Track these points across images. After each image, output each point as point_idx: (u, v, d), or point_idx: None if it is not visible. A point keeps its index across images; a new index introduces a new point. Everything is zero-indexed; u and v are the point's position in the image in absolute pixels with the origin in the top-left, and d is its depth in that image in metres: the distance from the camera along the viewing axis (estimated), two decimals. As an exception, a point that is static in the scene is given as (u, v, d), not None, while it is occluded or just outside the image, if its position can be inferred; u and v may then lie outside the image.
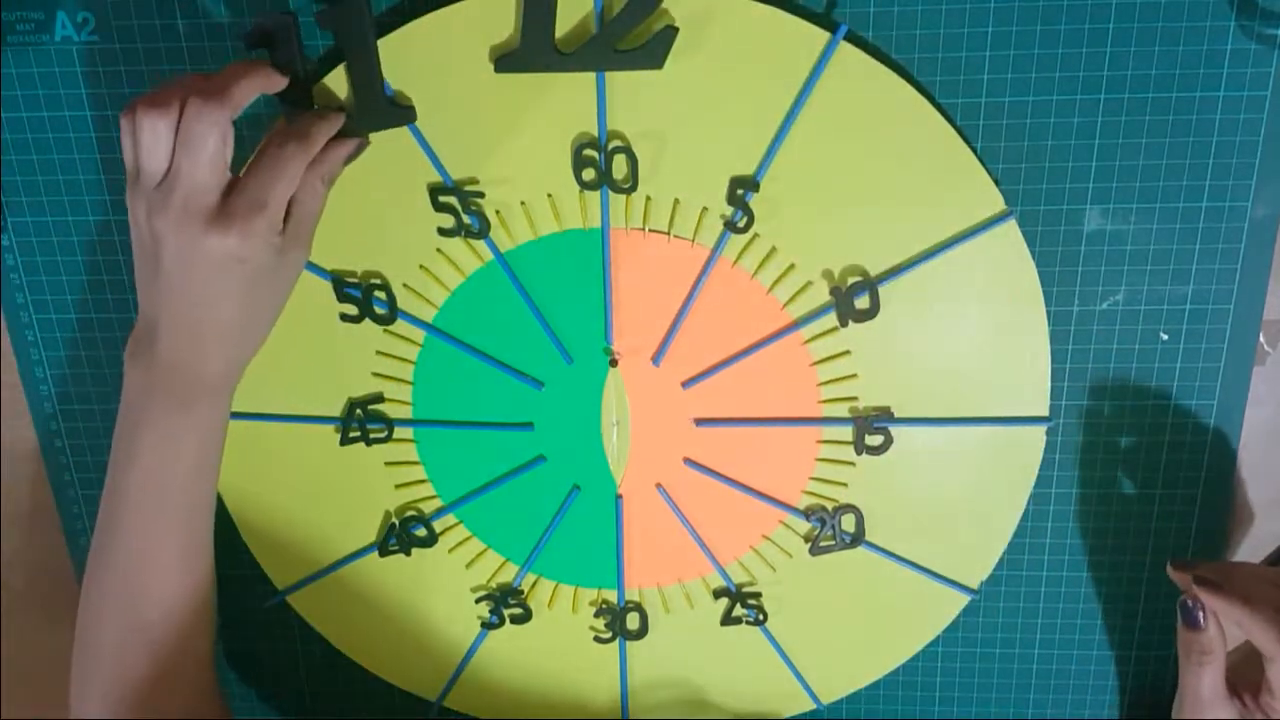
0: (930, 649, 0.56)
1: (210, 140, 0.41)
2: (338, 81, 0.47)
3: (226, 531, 0.56)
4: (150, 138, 0.41)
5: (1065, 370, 0.50)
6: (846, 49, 0.45)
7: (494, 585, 0.56)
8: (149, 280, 0.44)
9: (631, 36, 0.45)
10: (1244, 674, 0.48)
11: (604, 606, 0.56)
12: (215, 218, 0.41)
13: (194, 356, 0.44)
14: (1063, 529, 0.53)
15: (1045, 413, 0.50)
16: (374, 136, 0.47)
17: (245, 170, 0.43)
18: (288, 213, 0.44)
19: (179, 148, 0.41)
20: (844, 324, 0.49)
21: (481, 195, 0.48)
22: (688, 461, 0.53)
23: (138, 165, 0.42)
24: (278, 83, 0.44)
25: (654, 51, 0.45)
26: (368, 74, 0.46)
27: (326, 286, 0.51)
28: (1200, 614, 0.47)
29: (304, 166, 0.43)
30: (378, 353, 0.52)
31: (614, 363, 0.51)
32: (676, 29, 0.44)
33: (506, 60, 0.45)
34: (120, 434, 0.46)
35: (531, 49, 0.45)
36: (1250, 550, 0.55)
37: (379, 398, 0.53)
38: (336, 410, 0.53)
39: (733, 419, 0.52)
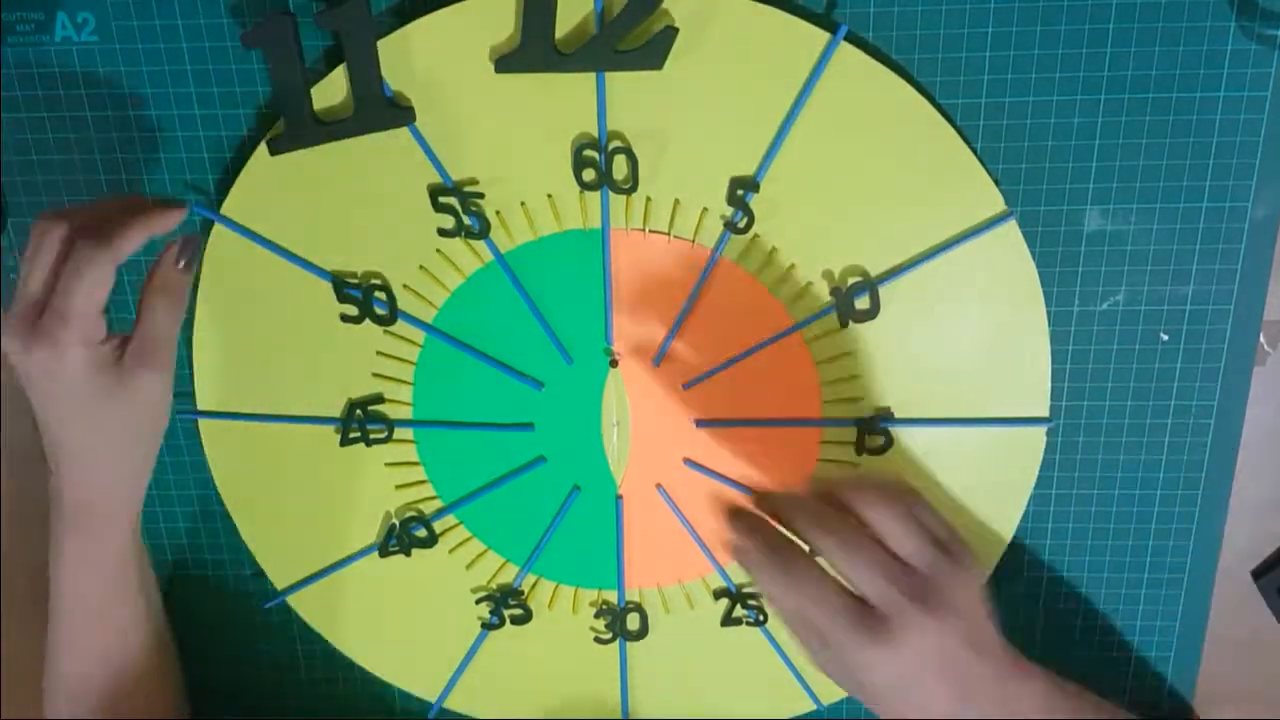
0: (930, 649, 0.56)
1: (84, 281, 0.41)
2: (333, 84, 0.47)
3: (227, 531, 0.56)
4: (26, 255, 0.42)
5: (1065, 370, 0.50)
6: (846, 49, 0.45)
7: (494, 586, 0.56)
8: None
9: (631, 37, 0.45)
10: None
11: (604, 607, 0.56)
12: (30, 334, 0.41)
13: (77, 482, 0.46)
14: (1063, 529, 0.53)
15: (1045, 413, 0.50)
16: (374, 137, 0.47)
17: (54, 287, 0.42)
18: (134, 326, 0.44)
19: (42, 270, 0.41)
20: (844, 324, 0.49)
21: (481, 196, 0.48)
22: (688, 462, 0.53)
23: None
24: (168, 222, 0.44)
25: (654, 51, 0.45)
26: (367, 74, 0.46)
27: (326, 287, 0.51)
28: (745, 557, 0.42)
29: (109, 273, 0.41)
30: (378, 353, 0.52)
31: (614, 363, 0.51)
32: (676, 29, 0.44)
33: (506, 60, 0.45)
34: (50, 570, 0.49)
35: (531, 49, 0.45)
36: (1250, 550, 0.55)
37: (379, 398, 0.53)
38: (336, 411, 0.53)
39: (733, 419, 0.52)
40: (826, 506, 0.41)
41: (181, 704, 0.56)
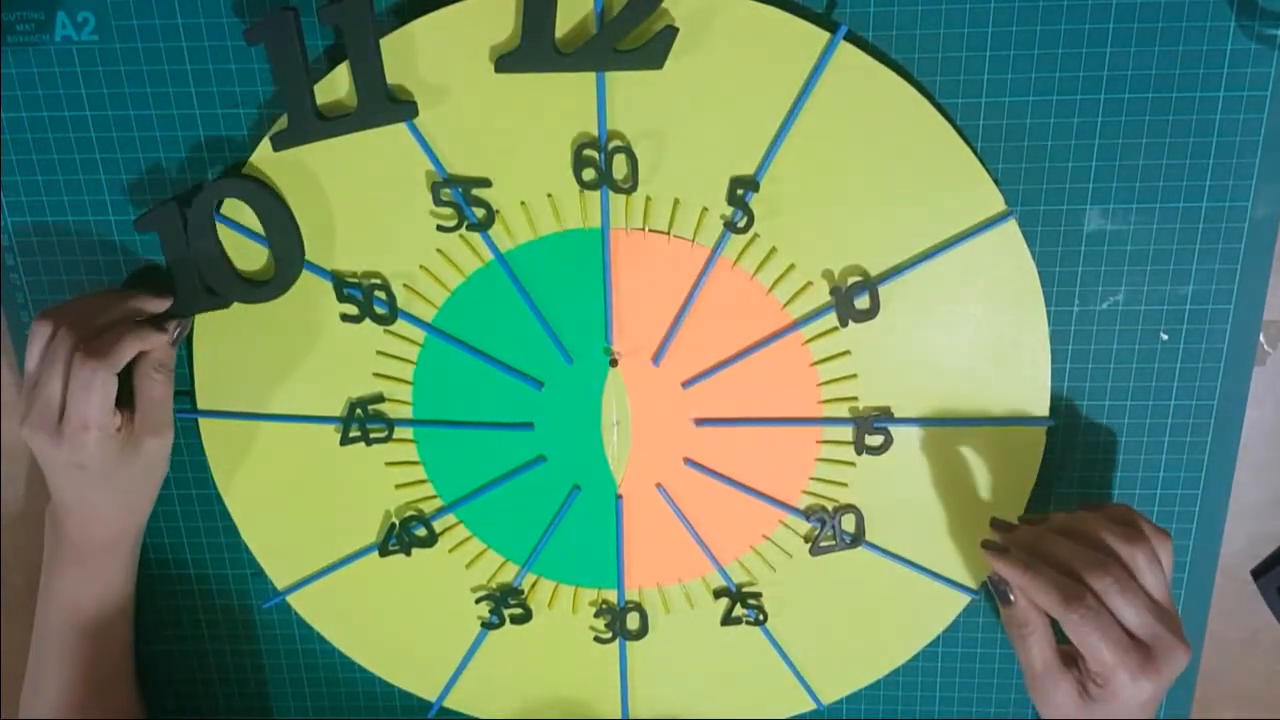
0: (930, 649, 0.56)
1: (94, 390, 0.46)
2: (335, 80, 0.47)
3: (227, 531, 0.56)
4: (29, 353, 0.48)
5: (1065, 370, 0.50)
6: (846, 49, 0.45)
7: (494, 585, 0.56)
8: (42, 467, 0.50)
9: (631, 36, 0.45)
10: None
11: (604, 606, 0.56)
12: (55, 434, 0.47)
13: (83, 527, 0.51)
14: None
15: (1045, 413, 0.50)
16: (375, 137, 0.47)
17: (68, 394, 0.47)
18: (132, 403, 0.49)
19: (41, 362, 0.47)
20: (844, 324, 0.49)
21: (487, 184, 0.48)
22: (688, 461, 0.53)
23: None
24: (156, 342, 0.49)
25: (654, 51, 0.45)
26: (369, 69, 0.46)
27: (327, 287, 0.51)
28: (1006, 587, 0.45)
29: (112, 380, 0.47)
30: (378, 353, 0.52)
31: (614, 363, 0.51)
32: (676, 29, 0.44)
33: (506, 60, 0.45)
34: (42, 577, 0.53)
35: (531, 49, 0.45)
36: (1250, 550, 0.55)
37: (379, 398, 0.53)
38: (337, 410, 0.53)
39: (733, 419, 0.52)
40: (1095, 552, 0.44)
41: None
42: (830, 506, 0.53)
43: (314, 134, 0.47)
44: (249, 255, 0.50)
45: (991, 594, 0.46)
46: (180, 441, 0.54)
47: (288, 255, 0.50)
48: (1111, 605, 0.42)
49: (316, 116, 0.47)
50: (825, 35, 0.45)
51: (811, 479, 0.52)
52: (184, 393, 0.53)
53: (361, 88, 0.46)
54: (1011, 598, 0.45)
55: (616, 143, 0.47)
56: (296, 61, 0.45)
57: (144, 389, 0.49)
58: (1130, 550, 0.43)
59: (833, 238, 0.48)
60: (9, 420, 0.57)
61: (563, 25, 0.45)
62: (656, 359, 0.51)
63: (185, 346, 0.53)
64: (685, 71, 0.46)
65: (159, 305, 0.50)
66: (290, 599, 0.57)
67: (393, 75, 0.46)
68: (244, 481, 0.55)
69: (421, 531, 0.55)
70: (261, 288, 0.50)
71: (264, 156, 0.49)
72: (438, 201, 0.49)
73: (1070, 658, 0.44)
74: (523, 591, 0.56)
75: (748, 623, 0.56)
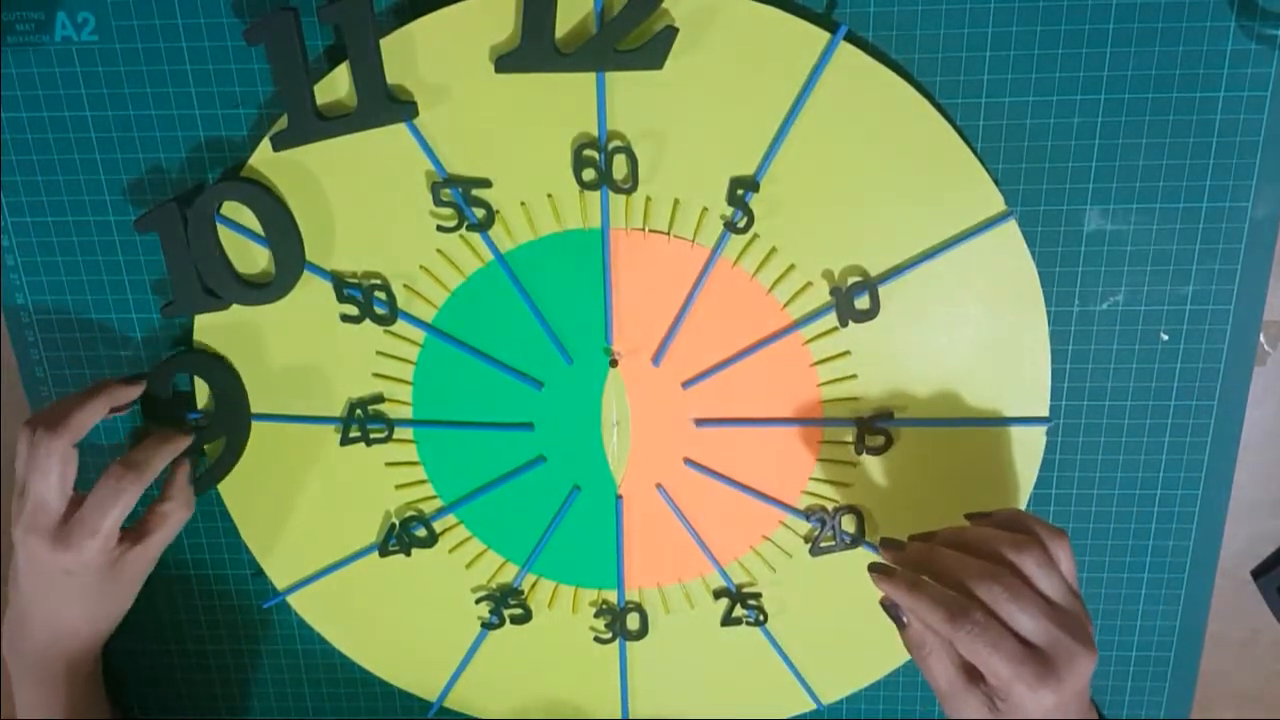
0: (930, 649, 0.56)
1: (52, 465, 0.47)
2: (335, 80, 0.47)
3: (227, 532, 0.56)
4: (16, 459, 0.48)
5: (1065, 370, 0.50)
6: (846, 49, 0.45)
7: (494, 585, 0.56)
8: (14, 576, 0.49)
9: (631, 37, 0.45)
10: None
11: (604, 607, 0.56)
12: (55, 536, 0.47)
13: (47, 643, 0.51)
14: (1063, 529, 0.53)
15: (1045, 413, 0.50)
16: (374, 138, 0.47)
17: (86, 499, 0.48)
18: (140, 528, 0.50)
19: (27, 469, 0.47)
20: (844, 324, 0.49)
21: (487, 184, 0.48)
22: (688, 462, 0.53)
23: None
24: (126, 396, 0.51)
25: (654, 51, 0.45)
26: (370, 69, 0.46)
27: (327, 287, 0.51)
28: (898, 610, 0.44)
29: (137, 495, 0.48)
30: (378, 353, 0.52)
31: (614, 363, 0.51)
32: (676, 29, 0.44)
33: (506, 60, 0.45)
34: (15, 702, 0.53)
35: (531, 49, 0.45)
36: (1250, 550, 0.55)
37: (379, 398, 0.53)
38: (337, 410, 0.53)
39: (733, 419, 0.52)
40: (983, 561, 0.42)
41: None
42: (830, 506, 0.53)
43: (314, 134, 0.47)
44: (249, 258, 0.50)
45: (887, 613, 0.45)
46: (180, 442, 0.54)
47: (288, 259, 0.50)
48: (1003, 614, 0.40)
49: (316, 116, 0.47)
50: (825, 35, 0.45)
51: (811, 479, 0.52)
52: (184, 393, 0.53)
53: (361, 88, 0.46)
54: (905, 620, 0.44)
55: (616, 143, 0.47)
56: (296, 61, 0.45)
57: (160, 525, 0.51)
58: (1019, 554, 0.41)
59: (833, 238, 0.48)
60: (9, 420, 0.56)
61: (563, 25, 0.45)
62: (656, 359, 0.51)
63: (185, 346, 0.53)
64: (685, 71, 0.46)
65: (131, 392, 0.51)
66: (290, 599, 0.57)
67: (393, 75, 0.46)
68: (244, 481, 0.55)
69: (421, 532, 0.55)
70: (261, 290, 0.50)
71: (264, 157, 0.49)
72: (438, 202, 0.49)
73: (977, 673, 0.42)
74: (523, 592, 0.56)
75: (748, 623, 0.56)
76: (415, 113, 0.47)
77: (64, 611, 0.50)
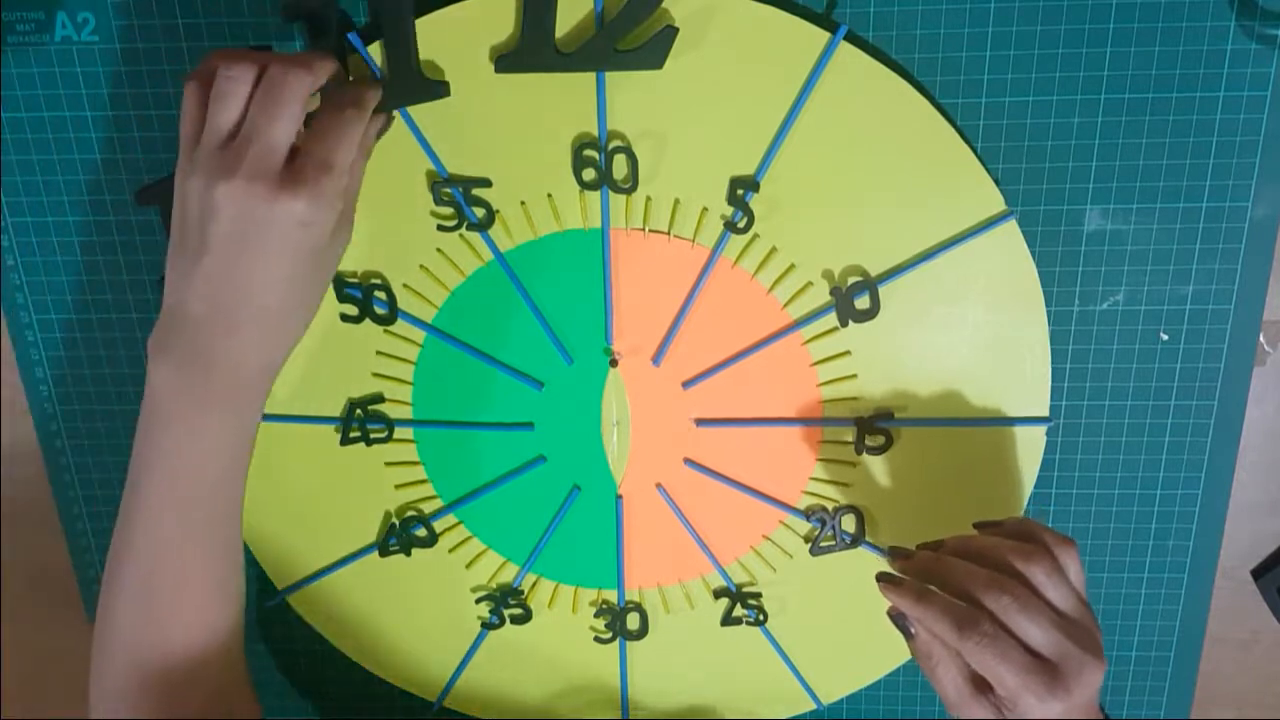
0: (930, 649, 0.56)
1: (293, 100, 0.39)
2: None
3: (226, 531, 0.56)
4: (229, 87, 0.39)
5: (1065, 370, 0.50)
6: (846, 49, 0.45)
7: (494, 585, 0.56)
8: (189, 264, 0.41)
9: (631, 36, 0.45)
10: None
11: (604, 607, 0.56)
12: (284, 179, 0.39)
13: (232, 348, 0.42)
14: (1063, 529, 0.53)
15: (1045, 413, 0.50)
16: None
17: (306, 136, 0.41)
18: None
19: (256, 106, 0.39)
20: (844, 324, 0.49)
21: (487, 183, 0.48)
22: (688, 462, 0.53)
23: (205, 125, 0.40)
24: (341, 77, 0.44)
25: (654, 51, 0.45)
26: (403, 47, 0.45)
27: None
28: (905, 620, 0.44)
29: (360, 132, 0.42)
30: (378, 353, 0.52)
31: (614, 363, 0.51)
32: (676, 29, 0.44)
33: (506, 60, 0.45)
34: (143, 435, 0.44)
35: (531, 49, 0.45)
36: (1250, 550, 0.55)
37: (379, 398, 0.53)
38: (337, 410, 0.53)
39: (733, 419, 0.52)
40: (991, 571, 0.42)
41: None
42: (830, 506, 0.53)
43: (419, 96, 0.46)
44: None
45: (894, 624, 0.45)
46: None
47: None
48: (1012, 625, 0.40)
49: (421, 77, 0.46)
50: (825, 35, 0.45)
51: (811, 479, 0.52)
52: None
53: (394, 67, 0.45)
54: (912, 630, 0.44)
55: (616, 143, 0.47)
56: (333, 43, 0.45)
57: (352, 180, 0.43)
58: (1028, 564, 0.41)
59: (833, 238, 0.48)
60: (9, 420, 0.56)
61: (562, 25, 0.45)
62: (656, 359, 0.51)
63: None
64: (685, 71, 0.46)
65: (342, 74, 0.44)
66: (290, 599, 0.57)
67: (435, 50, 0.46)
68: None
69: (421, 531, 0.55)
70: None
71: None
72: (438, 201, 0.49)
73: (985, 682, 0.42)
74: (523, 591, 0.56)
75: (748, 623, 0.56)
76: (447, 91, 0.46)
77: (269, 294, 0.41)
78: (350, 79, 0.46)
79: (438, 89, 0.46)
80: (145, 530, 0.45)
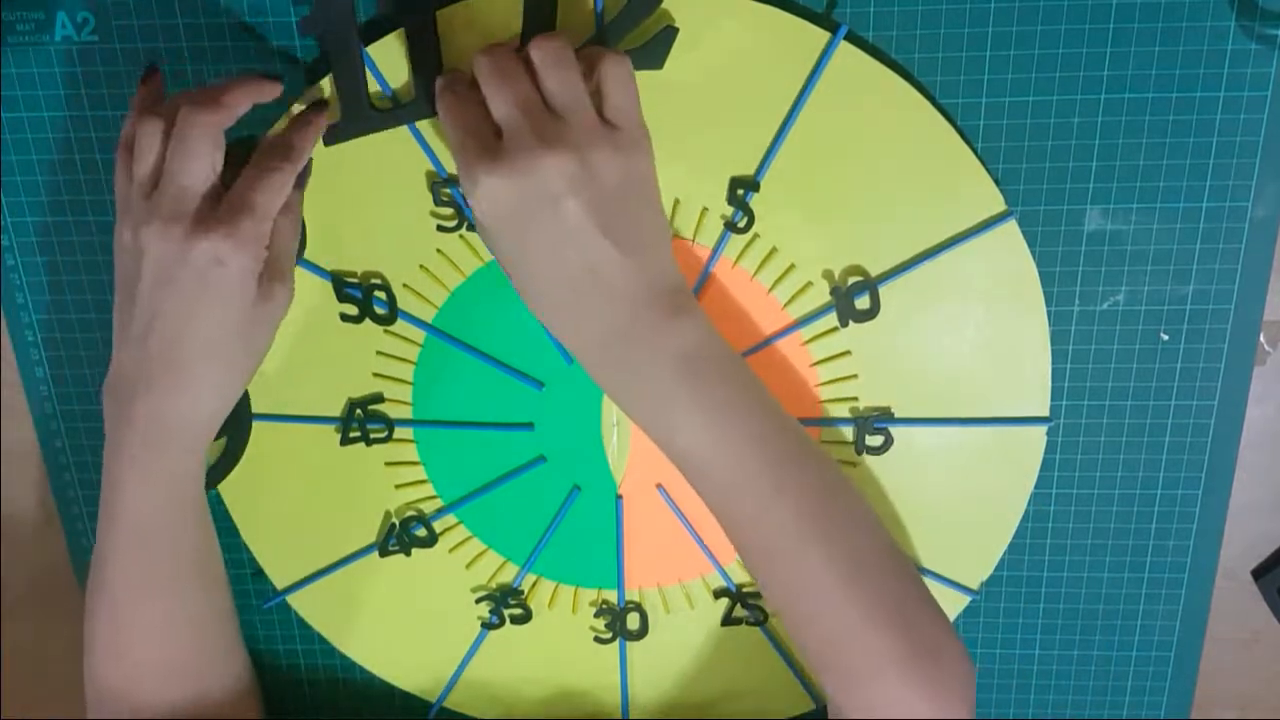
0: (930, 649, 0.56)
1: (201, 143, 0.41)
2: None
3: (227, 532, 0.56)
4: (144, 141, 0.41)
5: (1065, 370, 0.50)
6: (847, 49, 0.45)
7: (494, 585, 0.56)
8: (127, 310, 0.43)
9: (631, 37, 0.45)
10: None
11: (604, 607, 0.56)
12: (201, 220, 0.41)
13: (151, 401, 0.43)
14: (1063, 529, 0.53)
15: (1045, 413, 0.50)
16: (375, 136, 0.47)
17: (236, 179, 0.42)
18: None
19: (170, 152, 0.41)
20: (844, 324, 0.49)
21: None
22: (688, 461, 0.53)
23: (130, 177, 0.42)
24: (271, 92, 0.44)
25: (654, 52, 0.45)
26: (427, 57, 0.45)
27: (327, 286, 0.51)
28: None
29: (289, 176, 0.43)
30: (378, 353, 0.52)
31: (614, 363, 0.51)
32: (676, 29, 0.44)
33: None
34: (104, 492, 0.45)
35: None
36: (1250, 550, 0.55)
37: (379, 398, 0.53)
38: (337, 410, 0.53)
39: (733, 419, 0.52)
40: (501, 44, 0.41)
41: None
42: (830, 506, 0.53)
43: (369, 126, 0.47)
44: None
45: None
46: (180, 441, 0.54)
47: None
48: (484, 88, 0.39)
49: (371, 108, 0.46)
50: (825, 35, 0.45)
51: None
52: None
53: (418, 77, 0.46)
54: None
55: (616, 143, 0.47)
56: (353, 53, 0.45)
57: (279, 226, 0.43)
58: (538, 46, 0.40)
59: (833, 238, 0.48)
60: (9, 420, 0.56)
61: (562, 25, 0.45)
62: (656, 359, 0.51)
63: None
64: (685, 71, 0.46)
65: (274, 89, 0.44)
66: (290, 599, 0.57)
67: (391, 75, 0.46)
68: (244, 481, 0.55)
69: (421, 531, 0.55)
70: None
71: (264, 156, 0.49)
72: (438, 201, 0.49)
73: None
74: (523, 592, 0.56)
75: (748, 623, 0.56)
76: (399, 122, 0.47)
77: (199, 331, 0.41)
78: (299, 109, 0.46)
79: (389, 119, 0.46)
80: (112, 569, 0.46)
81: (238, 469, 0.54)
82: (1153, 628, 0.55)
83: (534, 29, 0.44)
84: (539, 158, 0.38)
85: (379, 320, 0.51)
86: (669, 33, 0.44)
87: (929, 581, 0.54)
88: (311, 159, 0.47)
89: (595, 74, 0.41)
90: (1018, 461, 0.51)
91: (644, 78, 0.46)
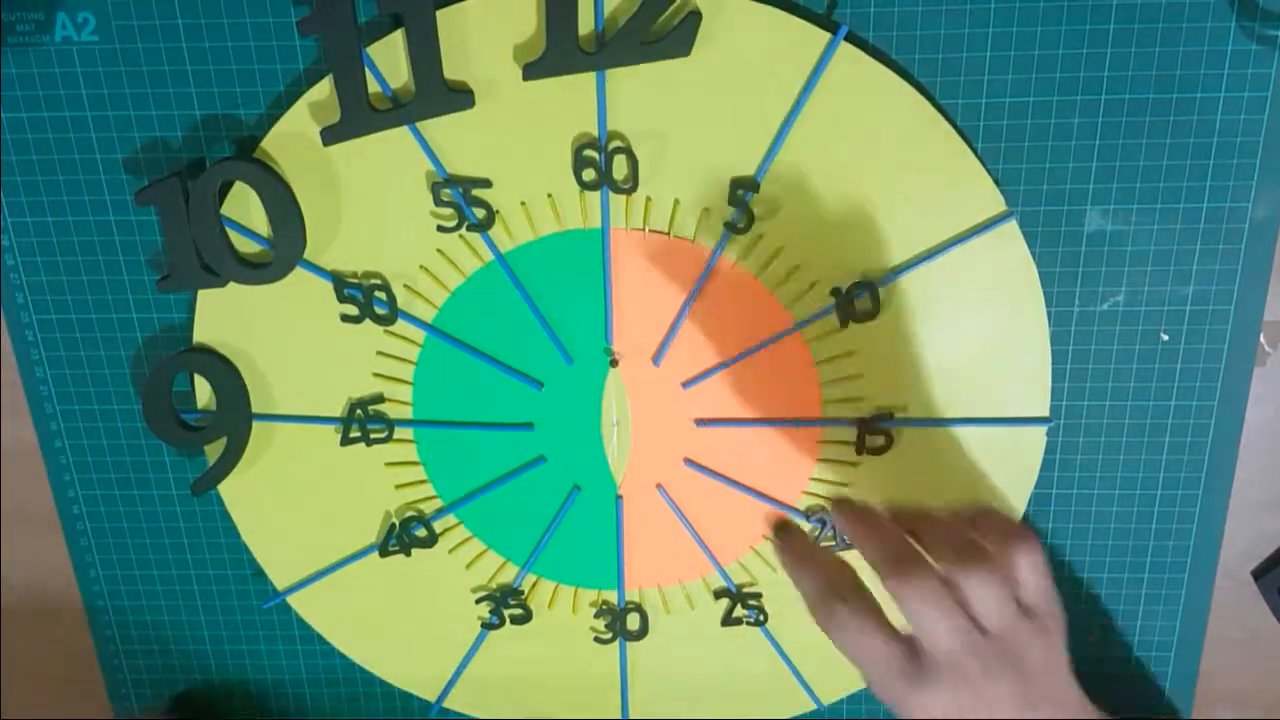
0: (930, 649, 0.56)
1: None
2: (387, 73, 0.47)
3: (227, 532, 0.56)
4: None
5: (1065, 370, 0.50)
6: (847, 49, 0.45)
7: (494, 586, 0.56)
8: None
9: (655, 28, 0.44)
10: None
11: (604, 607, 0.56)
12: None
13: None
14: (1063, 529, 0.53)
15: (1045, 413, 0.50)
16: (375, 136, 0.47)
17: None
18: None
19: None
20: (845, 324, 0.49)
21: (487, 184, 0.48)
22: (688, 462, 0.53)
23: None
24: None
25: (681, 38, 0.44)
26: (429, 57, 0.45)
27: (327, 287, 0.51)
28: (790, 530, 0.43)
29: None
30: (378, 353, 0.52)
31: (614, 363, 0.51)
32: (700, 14, 0.44)
33: (534, 67, 0.45)
34: None
35: (558, 53, 0.45)
36: (1250, 550, 0.55)
37: (379, 398, 0.53)
38: (337, 410, 0.53)
39: (733, 419, 0.52)
40: (907, 545, 0.39)
41: None
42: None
43: (368, 126, 0.47)
44: (249, 240, 0.50)
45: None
46: (180, 442, 0.54)
47: (289, 242, 0.49)
48: (965, 590, 0.37)
49: (370, 108, 0.46)
50: (825, 35, 0.45)
51: (812, 479, 0.53)
52: (184, 392, 0.53)
53: (419, 77, 0.45)
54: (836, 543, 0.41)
55: (617, 143, 0.47)
56: (353, 52, 0.45)
57: None
58: (1006, 550, 0.38)
59: (833, 238, 0.48)
60: (9, 420, 0.56)
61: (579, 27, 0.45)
62: (656, 359, 0.51)
63: (185, 346, 0.53)
64: (685, 71, 0.46)
65: None
66: (290, 599, 0.57)
67: (391, 76, 0.46)
68: (243, 481, 0.55)
69: (421, 532, 0.55)
70: (260, 270, 0.49)
71: (263, 156, 0.48)
72: (438, 202, 0.49)
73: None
74: (523, 592, 0.56)
75: (748, 623, 0.56)
76: (472, 102, 0.46)
77: None
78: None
79: (464, 99, 0.46)
80: None
81: (237, 469, 0.54)
82: (1153, 628, 0.55)
83: (558, 32, 0.44)
84: (981, 687, 0.37)
85: (379, 320, 0.51)
86: (694, 18, 0.44)
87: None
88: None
89: (1006, 560, 0.39)
90: (1018, 461, 0.51)
91: (644, 78, 0.46)
